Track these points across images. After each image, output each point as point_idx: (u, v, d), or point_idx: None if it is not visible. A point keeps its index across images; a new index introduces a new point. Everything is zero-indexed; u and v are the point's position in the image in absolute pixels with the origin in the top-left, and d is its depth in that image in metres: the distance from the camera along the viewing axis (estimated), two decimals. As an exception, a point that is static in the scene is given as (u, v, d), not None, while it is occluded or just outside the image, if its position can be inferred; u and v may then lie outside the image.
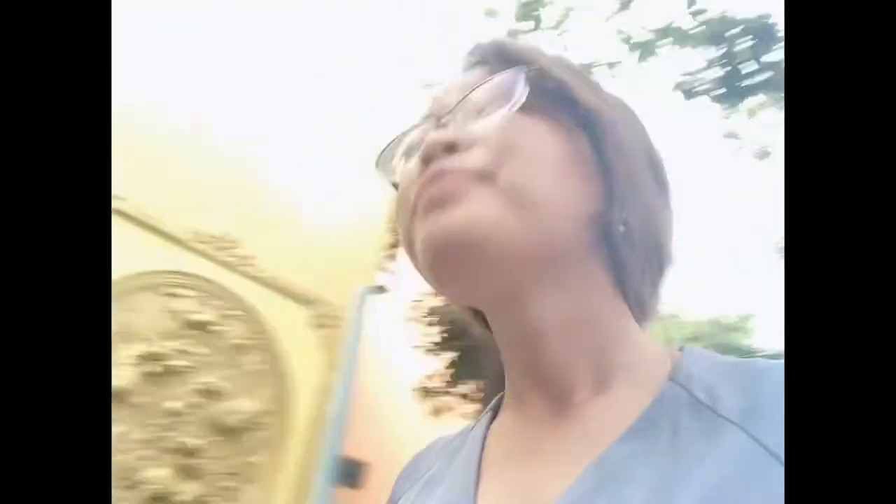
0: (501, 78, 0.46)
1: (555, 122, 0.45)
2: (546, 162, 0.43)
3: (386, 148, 0.51)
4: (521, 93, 0.45)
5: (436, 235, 0.42)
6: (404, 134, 0.51)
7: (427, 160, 0.44)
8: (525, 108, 0.45)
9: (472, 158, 0.43)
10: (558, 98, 0.46)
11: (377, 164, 0.51)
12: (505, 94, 0.45)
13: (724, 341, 8.15)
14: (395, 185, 0.50)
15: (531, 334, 0.46)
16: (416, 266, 0.47)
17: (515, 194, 0.42)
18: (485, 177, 0.42)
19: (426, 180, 0.44)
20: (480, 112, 0.46)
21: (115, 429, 2.45)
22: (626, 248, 0.46)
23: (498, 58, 0.49)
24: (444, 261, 0.43)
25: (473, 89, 0.47)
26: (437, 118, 0.47)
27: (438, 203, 0.42)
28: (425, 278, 0.46)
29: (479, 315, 0.52)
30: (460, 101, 0.46)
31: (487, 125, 0.44)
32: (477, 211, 0.41)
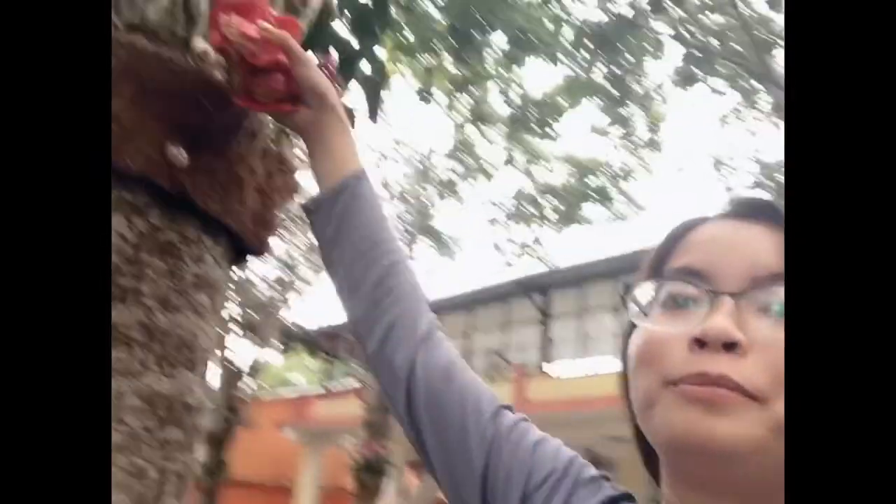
0: None
1: None
2: None
3: (636, 283, 0.51)
4: None
5: (694, 435, 0.43)
6: (664, 280, 0.49)
7: (701, 344, 0.44)
8: None
9: (752, 374, 0.43)
10: None
11: (625, 291, 0.51)
12: None
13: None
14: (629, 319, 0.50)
15: None
16: (641, 422, 0.48)
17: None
18: (760, 399, 0.43)
19: (700, 373, 0.43)
20: (766, 311, 0.44)
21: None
22: None
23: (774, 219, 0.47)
24: (693, 460, 0.44)
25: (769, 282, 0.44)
26: (715, 287, 0.45)
27: (707, 405, 0.43)
28: (654, 444, 0.47)
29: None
30: (750, 289, 0.45)
31: (778, 341, 0.43)
32: (745, 433, 0.42)
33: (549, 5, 6.91)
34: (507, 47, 7.49)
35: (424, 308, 0.67)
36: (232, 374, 11.10)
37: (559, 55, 7.36)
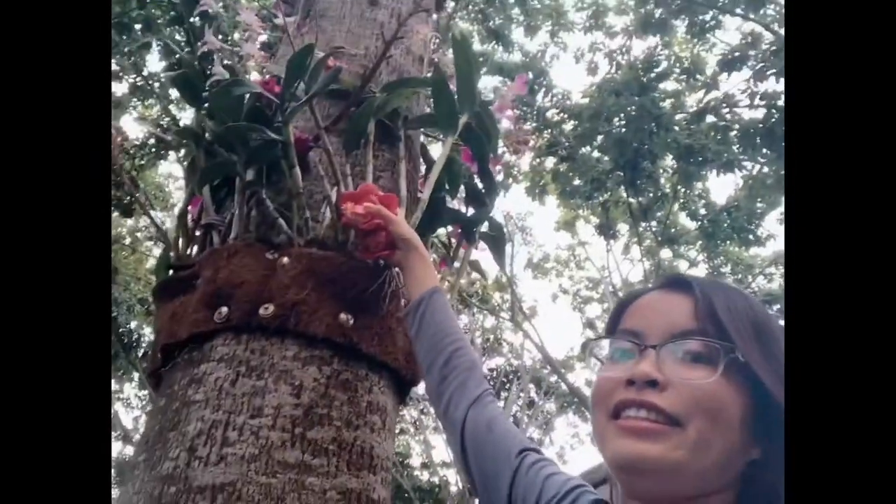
0: (714, 347, 0.56)
1: (735, 389, 0.56)
2: (726, 423, 0.55)
3: (595, 339, 0.67)
4: (720, 371, 0.55)
5: (630, 458, 0.55)
6: (616, 338, 0.63)
7: (631, 383, 0.57)
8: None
9: (670, 402, 0.55)
10: (742, 369, 0.56)
11: (584, 348, 0.67)
12: (712, 359, 0.56)
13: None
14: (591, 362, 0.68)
15: None
16: (601, 454, 0.60)
17: (700, 445, 0.54)
18: (678, 423, 0.55)
19: (629, 399, 0.57)
20: (680, 358, 0.57)
21: None
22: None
23: (701, 295, 0.59)
24: (630, 478, 0.57)
25: (687, 337, 0.57)
26: (641, 343, 0.59)
27: (638, 433, 0.55)
28: (609, 470, 0.58)
29: None
30: (670, 342, 0.58)
31: (692, 383, 0.55)
32: (668, 454, 0.54)
33: (707, 117, 6.99)
34: (676, 166, 7.56)
35: (479, 380, 0.90)
36: (464, 490, 11.09)
37: (734, 160, 7.24)
